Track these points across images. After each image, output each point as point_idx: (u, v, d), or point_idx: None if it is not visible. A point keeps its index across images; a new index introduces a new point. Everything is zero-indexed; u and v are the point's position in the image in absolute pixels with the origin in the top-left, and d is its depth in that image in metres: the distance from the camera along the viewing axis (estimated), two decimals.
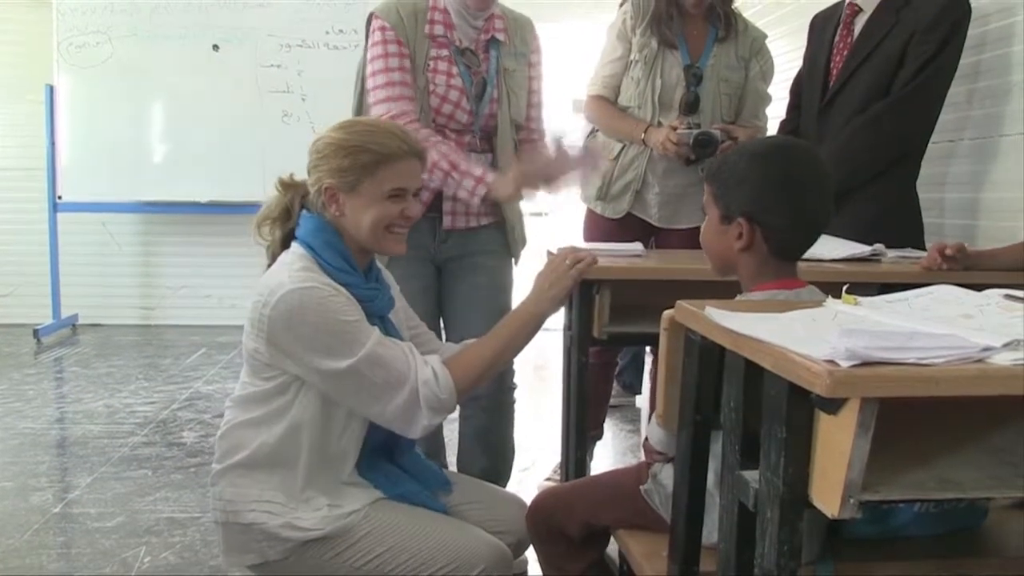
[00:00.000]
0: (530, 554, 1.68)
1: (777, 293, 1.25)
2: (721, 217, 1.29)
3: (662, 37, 2.38)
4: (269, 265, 1.49)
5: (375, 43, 1.97)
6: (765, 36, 2.50)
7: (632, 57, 2.43)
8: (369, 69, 1.98)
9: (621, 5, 2.55)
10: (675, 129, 2.29)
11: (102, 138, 4.81)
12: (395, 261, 2.02)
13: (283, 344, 1.36)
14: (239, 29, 4.81)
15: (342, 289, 1.39)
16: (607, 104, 2.50)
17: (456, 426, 2.18)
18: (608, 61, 2.48)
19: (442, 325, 2.15)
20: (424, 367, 1.40)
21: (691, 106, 2.38)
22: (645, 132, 2.38)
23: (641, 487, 1.47)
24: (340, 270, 1.42)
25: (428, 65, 1.98)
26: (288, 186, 1.50)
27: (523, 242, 2.21)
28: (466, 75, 2.00)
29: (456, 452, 2.25)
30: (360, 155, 1.41)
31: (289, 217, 1.49)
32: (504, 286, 2.15)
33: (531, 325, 1.53)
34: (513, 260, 2.19)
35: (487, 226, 2.11)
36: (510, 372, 2.18)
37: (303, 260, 1.41)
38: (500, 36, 2.04)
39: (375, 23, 1.98)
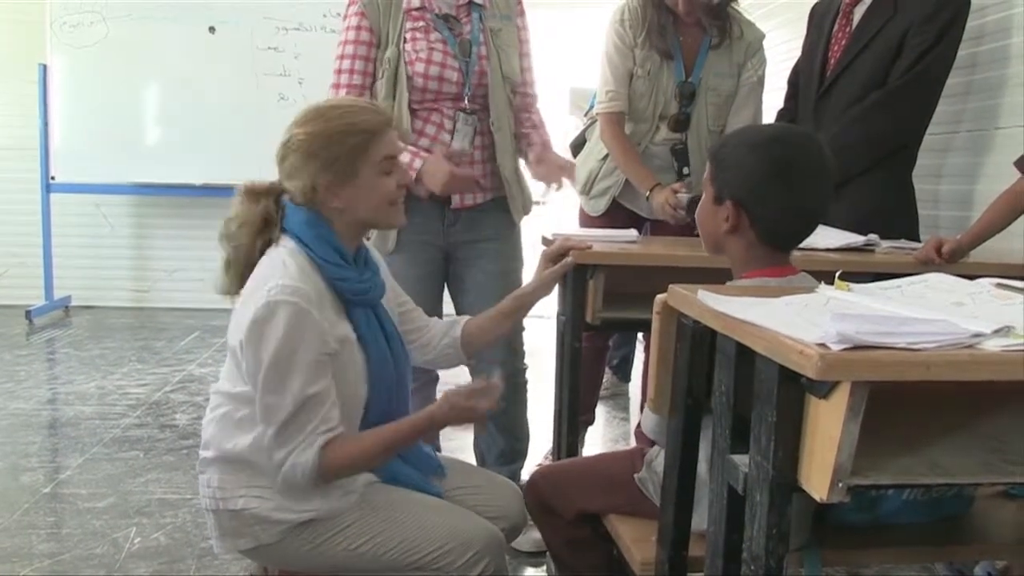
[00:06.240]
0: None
1: (767, 280, 1.25)
2: (714, 197, 1.31)
3: (659, 47, 2.33)
4: (243, 268, 1.44)
5: (346, 27, 2.06)
6: (763, 37, 2.44)
7: (635, 71, 2.38)
8: (337, 51, 2.08)
9: (614, 22, 2.43)
10: (675, 192, 2.22)
11: (96, 119, 4.77)
12: (402, 247, 2.06)
13: (244, 340, 1.34)
14: (236, 11, 4.77)
15: (326, 308, 1.36)
16: (622, 136, 2.40)
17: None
18: (613, 76, 2.39)
19: (453, 311, 2.14)
20: (307, 450, 1.32)
21: (680, 124, 2.37)
22: (651, 191, 2.30)
23: (635, 475, 1.47)
24: (334, 264, 1.40)
25: (405, 38, 2.02)
26: (258, 195, 1.44)
27: (528, 203, 2.23)
28: (449, 37, 2.04)
29: (472, 437, 2.26)
30: (348, 139, 1.38)
31: (269, 224, 1.43)
32: (513, 268, 2.18)
33: (419, 433, 1.44)
34: (519, 222, 2.23)
35: (493, 200, 2.13)
36: (520, 354, 2.18)
37: (296, 258, 1.37)
38: (479, 0, 2.08)
39: (351, 5, 2.06)
